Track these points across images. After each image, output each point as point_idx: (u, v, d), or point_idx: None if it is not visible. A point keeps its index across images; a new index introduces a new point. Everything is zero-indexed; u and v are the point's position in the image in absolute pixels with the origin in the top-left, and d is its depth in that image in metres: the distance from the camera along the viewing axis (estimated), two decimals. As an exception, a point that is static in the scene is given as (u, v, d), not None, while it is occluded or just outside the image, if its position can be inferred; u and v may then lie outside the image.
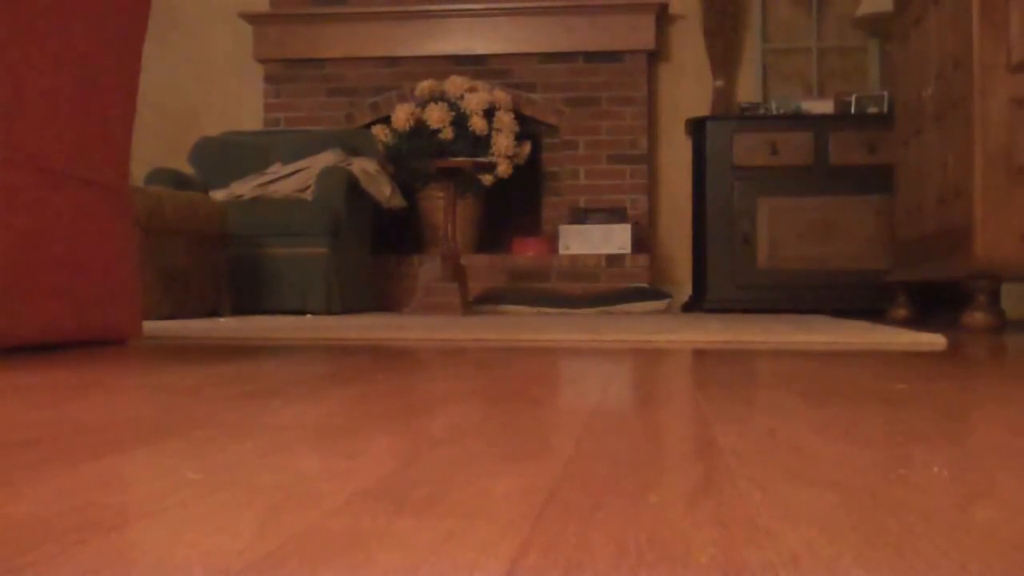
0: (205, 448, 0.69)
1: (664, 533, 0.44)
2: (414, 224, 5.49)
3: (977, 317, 2.98)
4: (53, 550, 0.41)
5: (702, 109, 5.38)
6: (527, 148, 5.28)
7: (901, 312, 3.91)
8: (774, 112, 4.97)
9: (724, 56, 5.25)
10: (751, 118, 4.84)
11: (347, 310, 4.62)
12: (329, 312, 4.45)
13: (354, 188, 4.72)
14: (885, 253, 4.67)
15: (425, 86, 5.26)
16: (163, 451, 0.67)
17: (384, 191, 4.83)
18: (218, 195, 4.78)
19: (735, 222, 4.80)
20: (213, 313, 4.11)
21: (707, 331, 2.40)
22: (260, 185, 4.80)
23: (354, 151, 5.02)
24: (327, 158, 4.85)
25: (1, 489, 0.54)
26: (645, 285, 4.78)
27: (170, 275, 3.73)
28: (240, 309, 4.45)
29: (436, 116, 5.12)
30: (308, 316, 4.15)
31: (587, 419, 0.85)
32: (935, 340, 2.04)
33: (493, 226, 5.49)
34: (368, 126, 5.46)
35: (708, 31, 5.26)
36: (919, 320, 3.84)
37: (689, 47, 5.44)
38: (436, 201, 5.30)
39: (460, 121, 5.14)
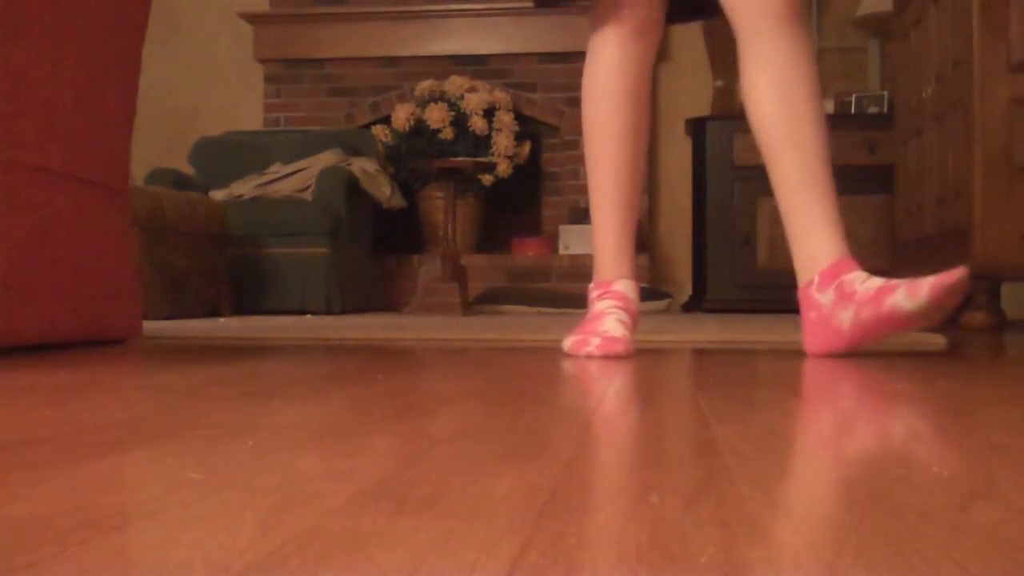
0: (205, 448, 0.69)
1: (664, 533, 0.44)
2: (414, 224, 5.49)
3: (977, 317, 2.98)
4: (53, 550, 0.41)
5: (702, 109, 5.38)
6: (527, 148, 5.28)
7: (901, 312, 3.90)
8: (774, 112, 4.96)
9: (724, 56, 5.25)
10: (751, 118, 4.84)
11: (347, 310, 4.62)
12: (329, 312, 4.45)
13: (354, 188, 4.72)
14: (885, 253, 4.67)
15: (425, 86, 5.26)
16: (163, 451, 0.68)
17: (384, 191, 4.83)
18: (218, 195, 4.78)
19: (735, 222, 4.80)
20: (213, 313, 4.11)
21: (707, 331, 2.40)
22: (260, 185, 4.80)
23: (354, 151, 5.02)
24: (327, 158, 4.85)
25: (1, 489, 0.54)
26: (645, 285, 4.78)
27: (170, 275, 3.73)
28: (240, 309, 4.45)
29: (436, 116, 5.12)
30: (308, 316, 4.15)
31: (587, 419, 0.85)
32: (935, 340, 2.04)
33: (493, 226, 5.49)
34: (368, 126, 5.46)
35: (708, 31, 5.26)
36: (919, 320, 3.83)
37: (689, 47, 5.44)
38: (436, 201, 5.30)
39: (460, 121, 5.14)
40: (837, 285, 1.60)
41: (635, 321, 1.79)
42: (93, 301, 1.95)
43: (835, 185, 1.67)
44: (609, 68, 1.81)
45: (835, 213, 1.64)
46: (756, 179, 4.79)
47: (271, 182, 4.82)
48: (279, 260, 4.50)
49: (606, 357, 1.66)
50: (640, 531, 0.45)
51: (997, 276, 2.98)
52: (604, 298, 1.80)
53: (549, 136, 5.53)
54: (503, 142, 5.13)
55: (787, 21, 1.66)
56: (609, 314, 1.75)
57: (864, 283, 1.57)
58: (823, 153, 1.65)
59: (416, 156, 5.09)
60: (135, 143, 5.77)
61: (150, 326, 2.83)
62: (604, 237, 1.84)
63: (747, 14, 1.68)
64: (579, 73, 5.38)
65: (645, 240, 5.27)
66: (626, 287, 1.81)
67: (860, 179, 4.72)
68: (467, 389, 1.10)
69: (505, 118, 5.16)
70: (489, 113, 5.18)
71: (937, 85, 3.37)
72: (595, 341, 1.68)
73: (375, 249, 5.28)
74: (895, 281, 1.53)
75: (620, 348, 1.67)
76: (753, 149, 4.80)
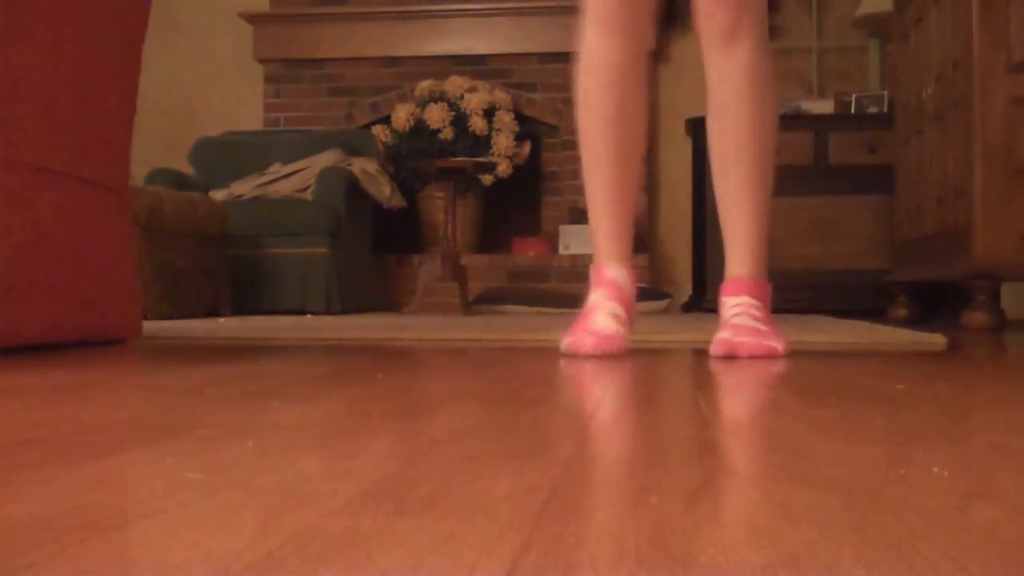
0: (205, 448, 0.69)
1: (664, 533, 0.44)
2: (414, 224, 5.49)
3: (977, 317, 2.98)
4: (53, 550, 0.41)
5: (702, 109, 5.37)
6: (527, 148, 5.28)
7: (901, 312, 3.91)
8: (774, 112, 4.96)
9: (724, 56, 5.24)
10: (751, 118, 4.83)
11: (347, 310, 4.62)
12: (329, 312, 4.45)
13: (354, 188, 4.71)
14: (885, 253, 4.67)
15: (425, 86, 5.26)
16: (163, 451, 0.67)
17: (384, 191, 4.83)
18: (218, 195, 4.78)
19: (735, 222, 4.79)
20: (213, 313, 4.11)
21: (707, 331, 2.40)
22: (260, 185, 4.80)
23: (354, 151, 5.02)
24: (327, 158, 4.84)
25: (1, 489, 0.54)
26: (645, 285, 4.78)
27: (170, 275, 3.73)
28: (240, 309, 4.45)
29: (436, 116, 5.12)
30: (308, 316, 4.15)
31: (587, 419, 0.85)
32: (935, 340, 2.04)
33: (493, 226, 5.49)
34: (368, 126, 5.46)
35: (708, 31, 5.25)
36: (919, 320, 3.84)
37: (689, 47, 5.44)
38: (436, 201, 5.30)
39: (460, 121, 5.14)
40: (722, 301, 1.77)
41: (629, 306, 1.79)
42: (93, 301, 1.95)
43: (765, 199, 1.77)
44: (596, 50, 1.79)
45: (746, 230, 1.75)
46: (756, 179, 4.77)
47: (271, 182, 4.82)
48: (279, 260, 4.50)
49: (604, 356, 1.66)
50: (640, 531, 0.45)
51: (997, 276, 2.98)
52: (596, 288, 1.81)
53: (549, 136, 5.53)
54: (503, 142, 5.13)
55: (730, 40, 1.71)
56: (600, 308, 1.76)
57: (729, 310, 1.73)
58: (750, 172, 1.75)
59: (416, 156, 5.09)
60: (135, 143, 5.76)
61: (150, 326, 2.83)
62: (596, 220, 1.87)
63: (700, 33, 1.76)
64: (579, 73, 5.38)
65: (645, 240, 5.27)
66: (616, 272, 1.81)
67: (860, 179, 4.72)
68: (467, 389, 1.10)
69: (505, 118, 5.16)
70: (489, 113, 5.18)
71: (937, 85, 3.37)
72: (590, 341, 1.69)
73: (375, 249, 5.28)
74: (729, 319, 1.71)
75: (615, 346, 1.68)
76: (753, 149, 4.79)
